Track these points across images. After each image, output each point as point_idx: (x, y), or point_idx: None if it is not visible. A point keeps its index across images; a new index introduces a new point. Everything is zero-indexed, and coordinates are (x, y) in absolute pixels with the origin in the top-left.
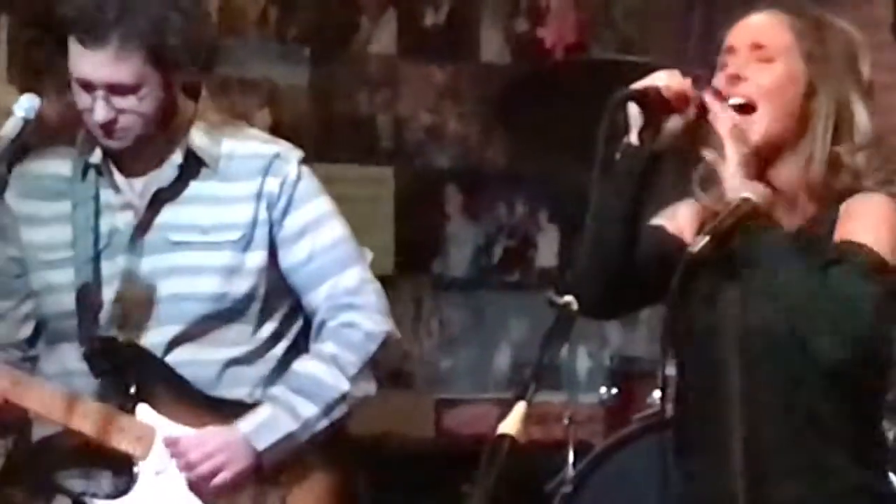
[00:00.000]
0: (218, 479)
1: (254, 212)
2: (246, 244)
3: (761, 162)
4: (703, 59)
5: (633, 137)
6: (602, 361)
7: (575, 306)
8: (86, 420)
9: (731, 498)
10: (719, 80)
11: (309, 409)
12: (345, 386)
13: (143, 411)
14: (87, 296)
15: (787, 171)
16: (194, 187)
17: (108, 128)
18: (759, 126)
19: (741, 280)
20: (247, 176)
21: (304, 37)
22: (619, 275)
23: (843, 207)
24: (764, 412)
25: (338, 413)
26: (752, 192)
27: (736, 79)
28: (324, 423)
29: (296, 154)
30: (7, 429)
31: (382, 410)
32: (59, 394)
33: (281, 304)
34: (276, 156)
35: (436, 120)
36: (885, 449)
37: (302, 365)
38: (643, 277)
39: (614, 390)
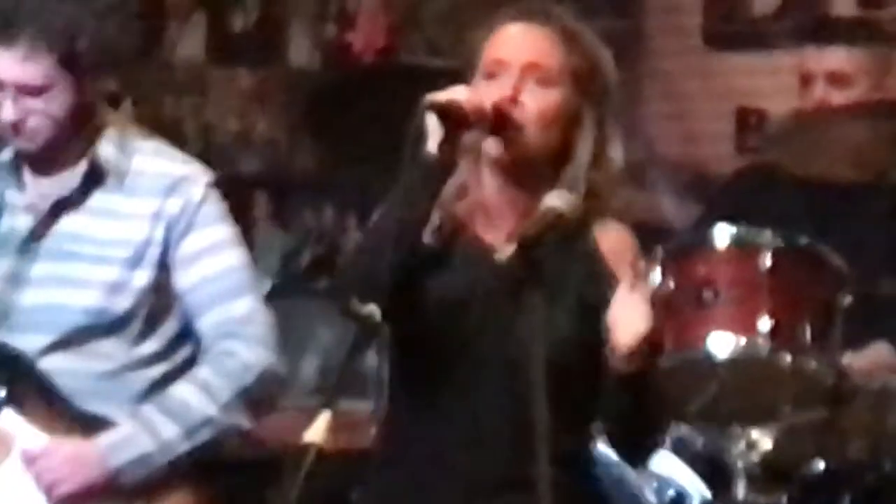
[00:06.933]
0: (57, 491)
1: (149, 231)
2: (135, 262)
3: (519, 171)
4: None
5: (432, 147)
6: None
7: (378, 317)
8: None
9: None
10: (494, 93)
11: (170, 431)
12: (211, 411)
13: (7, 416)
14: None
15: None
16: (97, 199)
17: (17, 128)
18: (516, 144)
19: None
20: (150, 194)
21: None
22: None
23: (597, 237)
24: (489, 412)
25: (201, 437)
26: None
27: (514, 102)
28: (185, 446)
29: (205, 177)
30: None
31: None
32: None
33: (166, 326)
34: (184, 177)
35: (244, 125)
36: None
37: (173, 388)
38: None
39: None
